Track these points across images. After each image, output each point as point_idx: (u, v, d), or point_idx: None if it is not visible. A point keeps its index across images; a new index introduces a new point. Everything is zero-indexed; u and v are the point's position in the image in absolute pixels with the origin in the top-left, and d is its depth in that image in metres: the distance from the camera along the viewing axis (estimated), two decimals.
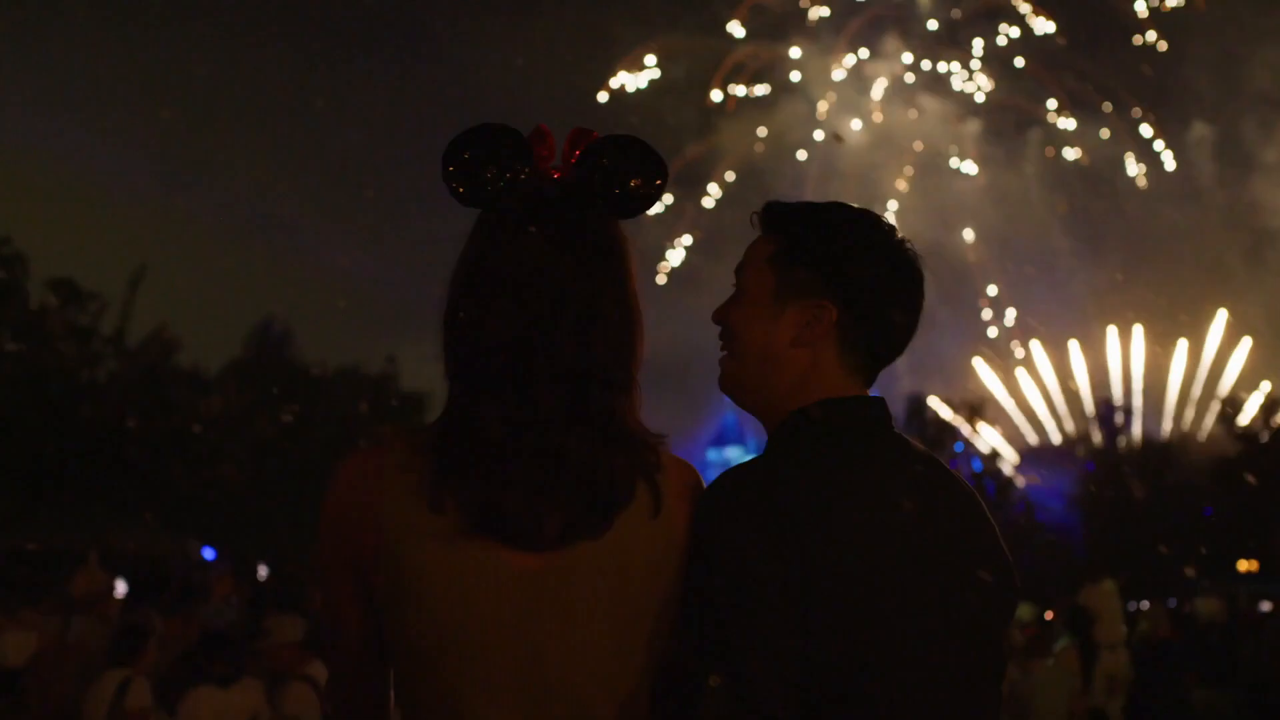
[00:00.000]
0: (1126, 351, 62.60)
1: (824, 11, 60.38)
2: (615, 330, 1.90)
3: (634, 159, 1.98)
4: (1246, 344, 58.58)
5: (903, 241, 2.13)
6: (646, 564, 1.85)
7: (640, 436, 1.91)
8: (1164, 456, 48.10)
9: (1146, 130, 56.88)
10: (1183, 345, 61.81)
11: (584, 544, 1.82)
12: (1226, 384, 56.04)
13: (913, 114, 61.84)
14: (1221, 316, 59.26)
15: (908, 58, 59.05)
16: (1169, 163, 56.43)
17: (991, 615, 1.98)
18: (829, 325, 2.06)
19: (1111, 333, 64.20)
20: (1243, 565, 39.46)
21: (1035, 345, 68.92)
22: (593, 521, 1.82)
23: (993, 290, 64.09)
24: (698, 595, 1.86)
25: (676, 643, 1.88)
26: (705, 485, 1.97)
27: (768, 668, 1.77)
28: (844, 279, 2.07)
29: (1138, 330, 62.62)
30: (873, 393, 2.14)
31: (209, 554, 27.04)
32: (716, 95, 57.11)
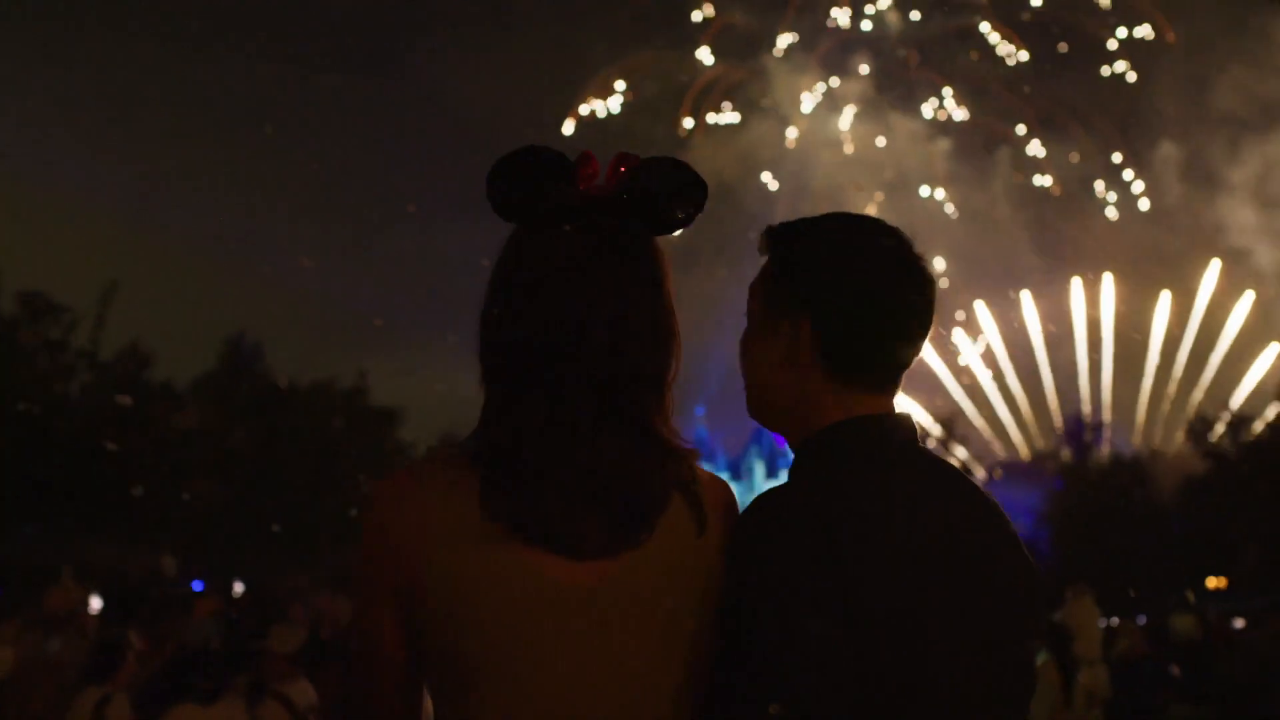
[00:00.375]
0: (1096, 367, 63.00)
1: (792, 38, 60.79)
2: (648, 338, 1.92)
3: (673, 177, 1.99)
4: (1216, 361, 59.08)
5: (895, 248, 2.09)
6: (689, 579, 1.86)
7: (674, 446, 1.92)
8: (1133, 473, 48.32)
9: (1117, 156, 57.33)
10: (1152, 361, 62.24)
11: (628, 556, 1.83)
12: (1195, 401, 56.45)
13: (881, 140, 62.23)
14: (1191, 332, 59.72)
15: (872, 77, 59.52)
16: (1137, 188, 56.92)
17: (1024, 631, 1.98)
18: (807, 342, 2.05)
19: (1080, 345, 64.65)
20: (1211, 582, 39.73)
21: (1005, 362, 69.28)
22: (632, 528, 1.84)
23: (960, 315, 64.52)
24: (739, 617, 1.86)
25: (723, 665, 1.88)
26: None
27: (824, 691, 1.78)
28: (817, 293, 2.05)
29: (1107, 346, 63.06)
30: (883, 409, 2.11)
31: (198, 586, 26.82)
32: (688, 122, 57.64)
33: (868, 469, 1.97)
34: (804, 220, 2.14)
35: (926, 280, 2.09)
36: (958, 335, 62.90)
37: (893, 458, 2.02)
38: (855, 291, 2.05)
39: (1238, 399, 52.56)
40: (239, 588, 22.24)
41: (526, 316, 1.88)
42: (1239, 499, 38.55)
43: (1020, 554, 2.01)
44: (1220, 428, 46.30)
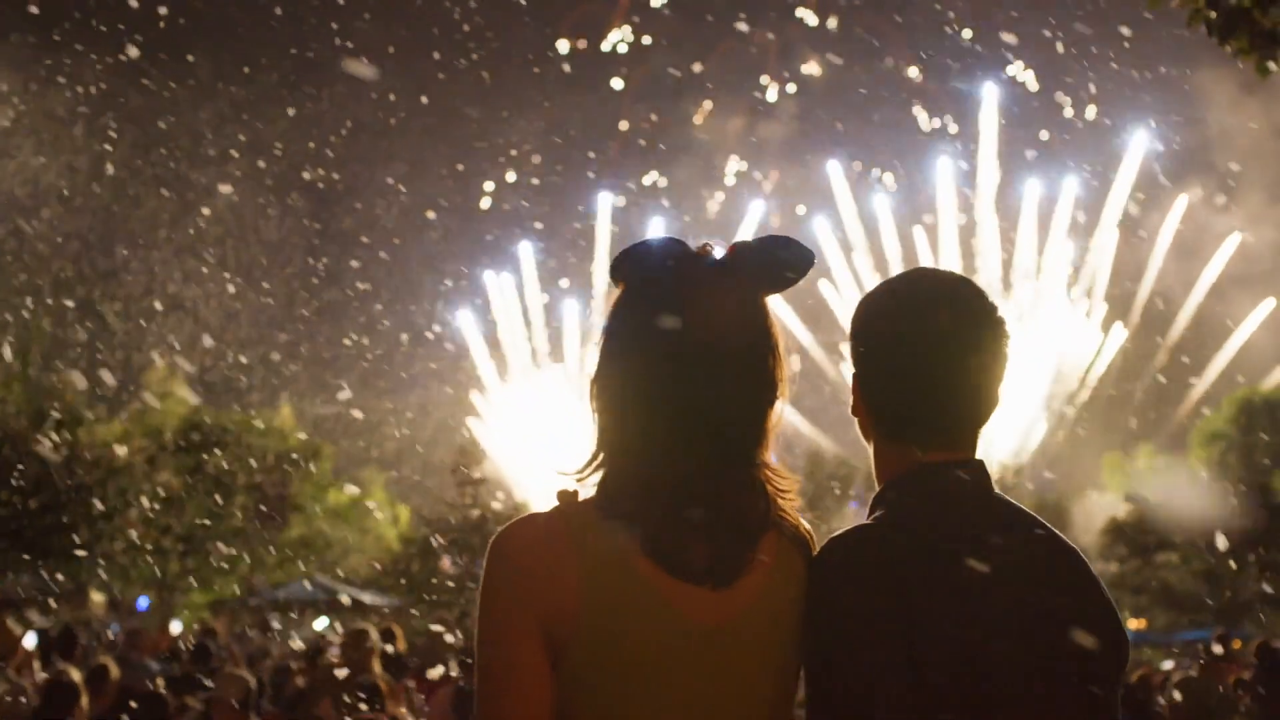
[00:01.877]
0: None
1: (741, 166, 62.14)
2: (760, 385, 2.05)
3: (780, 242, 2.11)
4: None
5: (935, 300, 2.13)
6: (789, 617, 1.99)
7: (776, 485, 2.07)
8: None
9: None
10: (1080, 400, 63.08)
11: (745, 595, 1.95)
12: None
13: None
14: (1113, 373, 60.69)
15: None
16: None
17: (1101, 677, 2.01)
18: (858, 394, 2.19)
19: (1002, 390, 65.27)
20: (1133, 624, 40.33)
21: None
22: (740, 557, 1.96)
23: None
24: (815, 659, 1.97)
25: (808, 706, 1.99)
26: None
27: None
28: (858, 360, 2.19)
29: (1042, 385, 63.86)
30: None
31: (142, 603, 26.46)
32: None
33: (934, 517, 2.04)
34: (882, 283, 2.22)
35: (976, 344, 2.12)
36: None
37: (958, 505, 2.06)
38: (886, 361, 2.14)
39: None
40: (176, 626, 22.00)
41: (647, 372, 2.00)
42: (1159, 541, 39.20)
43: (1096, 602, 2.05)
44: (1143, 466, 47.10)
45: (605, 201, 63.85)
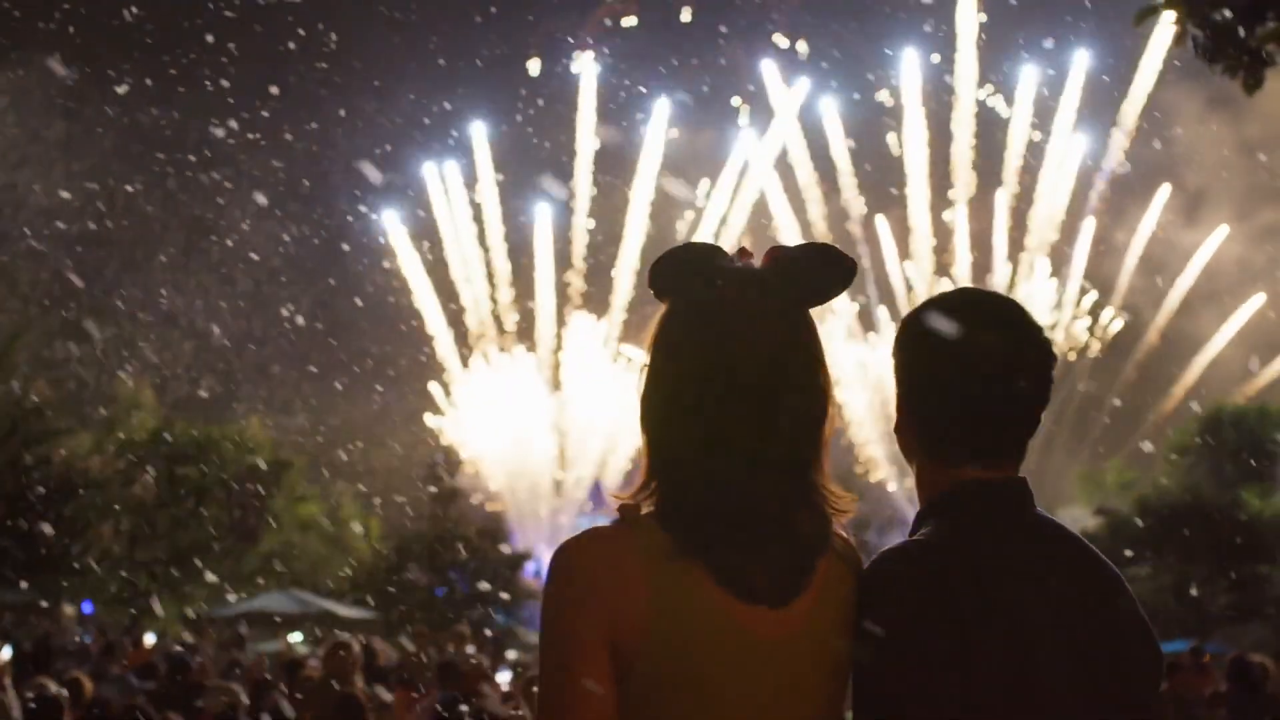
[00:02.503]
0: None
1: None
2: (809, 396, 2.05)
3: (820, 255, 2.12)
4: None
5: (985, 323, 2.14)
6: (841, 632, 2.00)
7: (833, 502, 2.08)
8: None
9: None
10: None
11: (802, 609, 1.97)
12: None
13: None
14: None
15: None
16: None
17: (1138, 694, 2.06)
18: (903, 412, 2.21)
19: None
20: None
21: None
22: (802, 577, 1.98)
23: None
24: (863, 670, 2.00)
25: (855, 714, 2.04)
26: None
27: None
28: (900, 379, 2.22)
29: None
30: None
31: (87, 607, 26.31)
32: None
33: (977, 533, 2.06)
34: (929, 301, 2.22)
35: (1023, 367, 2.13)
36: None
37: (1001, 522, 2.09)
38: (934, 382, 2.16)
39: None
40: (150, 639, 21.88)
41: (700, 389, 2.01)
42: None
43: (1133, 620, 2.09)
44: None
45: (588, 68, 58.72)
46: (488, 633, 25.66)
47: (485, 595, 39.40)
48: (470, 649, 14.75)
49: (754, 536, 1.96)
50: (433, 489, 46.69)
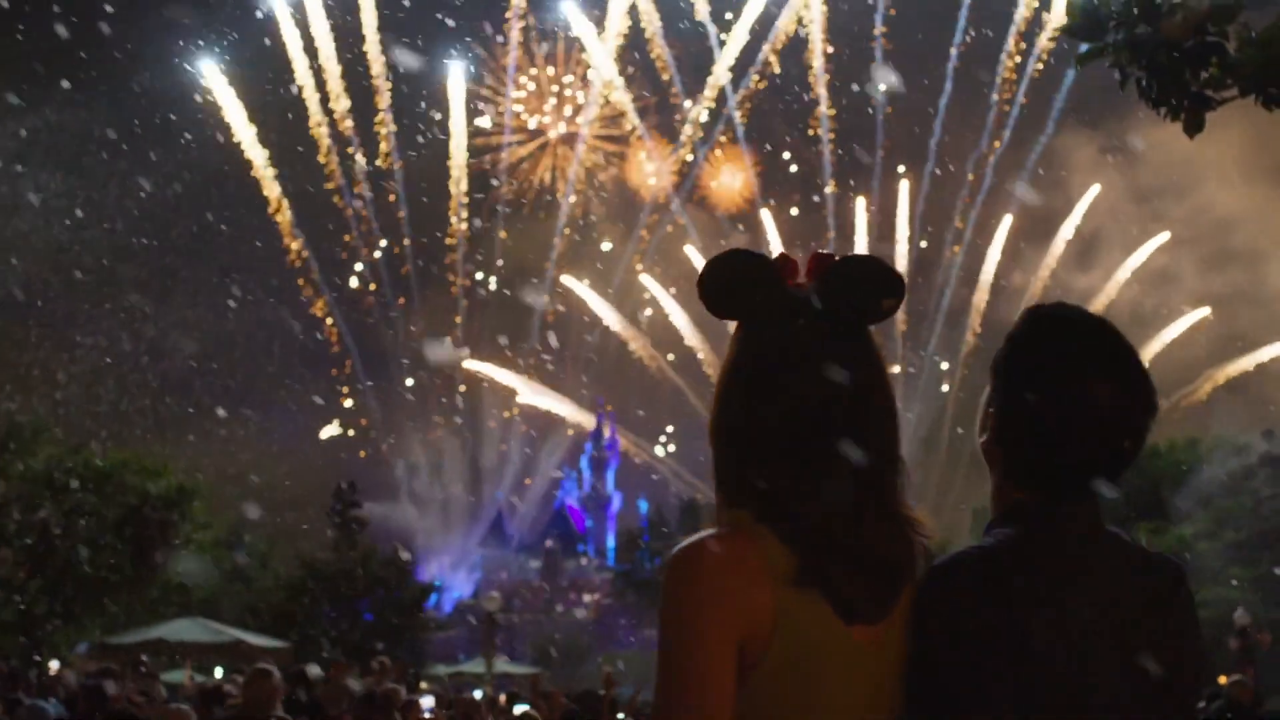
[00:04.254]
0: None
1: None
2: (888, 421, 2.12)
3: (875, 275, 2.13)
4: None
5: (1101, 368, 2.11)
6: (910, 638, 2.09)
7: (919, 533, 2.15)
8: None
9: None
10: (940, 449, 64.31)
11: (888, 621, 2.05)
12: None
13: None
14: None
15: None
16: None
17: (1182, 696, 2.11)
18: (994, 433, 2.20)
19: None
20: None
21: None
22: (895, 596, 2.06)
23: None
24: (921, 672, 2.06)
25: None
26: None
27: None
28: (996, 400, 2.20)
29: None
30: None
31: None
32: None
33: (1042, 541, 2.10)
34: (1042, 325, 2.20)
35: (1123, 430, 2.12)
36: None
37: (1067, 533, 2.11)
38: (1022, 420, 2.15)
39: None
40: (55, 665, 21.44)
41: (785, 414, 2.06)
42: None
43: (1189, 637, 2.13)
44: None
45: None
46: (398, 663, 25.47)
47: (396, 626, 39.19)
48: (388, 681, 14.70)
49: (861, 565, 2.02)
50: (337, 519, 46.40)
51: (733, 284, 2.12)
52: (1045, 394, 2.10)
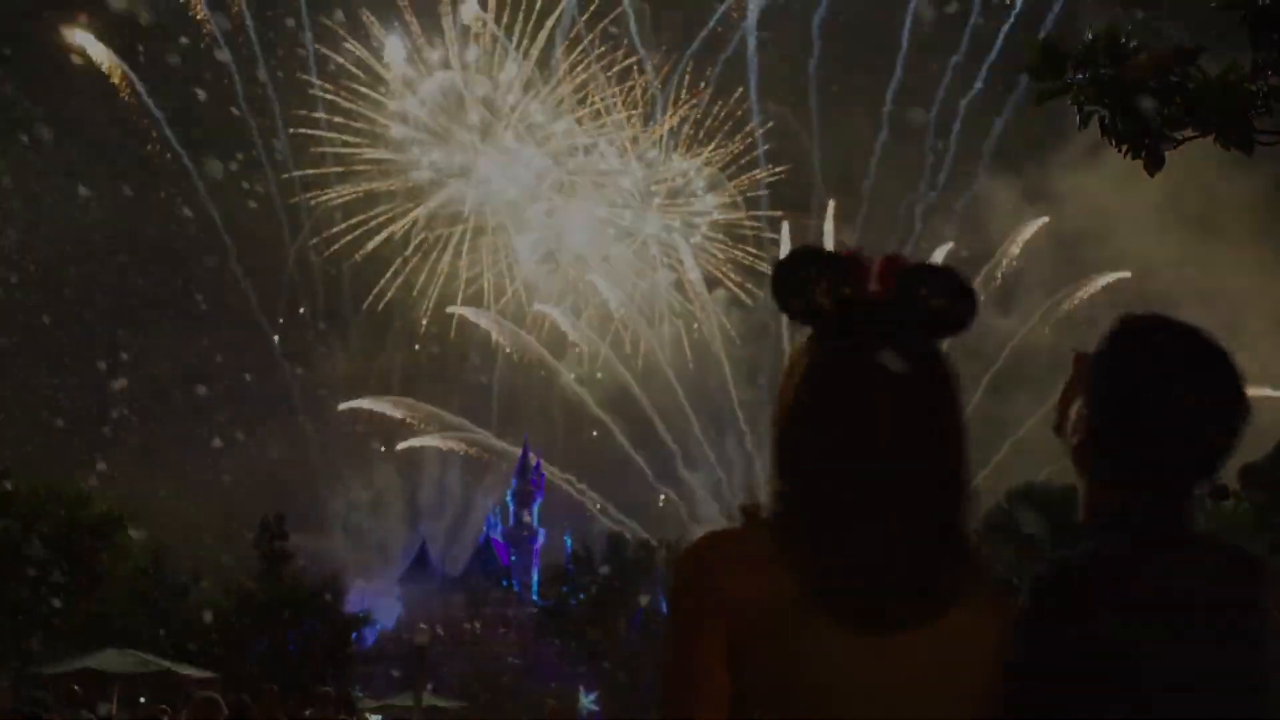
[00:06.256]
0: None
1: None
2: (957, 441, 2.01)
3: (951, 286, 2.05)
4: None
5: (1196, 381, 2.10)
6: (965, 673, 1.96)
7: (970, 544, 2.03)
8: None
9: None
10: None
11: (918, 638, 1.93)
12: None
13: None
14: None
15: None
16: None
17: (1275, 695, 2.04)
18: (1087, 435, 2.18)
19: None
20: None
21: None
22: (922, 614, 1.93)
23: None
24: (1018, 685, 1.97)
25: None
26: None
27: None
28: (1102, 396, 2.16)
29: None
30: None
31: None
32: None
33: (1143, 550, 2.04)
34: (1122, 329, 2.19)
35: (1210, 398, 2.10)
36: None
37: (1167, 539, 2.07)
38: (1118, 425, 2.13)
39: None
40: None
41: (846, 431, 1.97)
42: None
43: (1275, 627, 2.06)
44: None
45: None
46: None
47: (324, 657, 39.02)
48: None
49: (874, 575, 1.93)
50: (264, 549, 46.20)
51: (807, 283, 2.05)
52: (1146, 396, 2.11)
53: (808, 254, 2.07)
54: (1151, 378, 2.11)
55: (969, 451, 2.02)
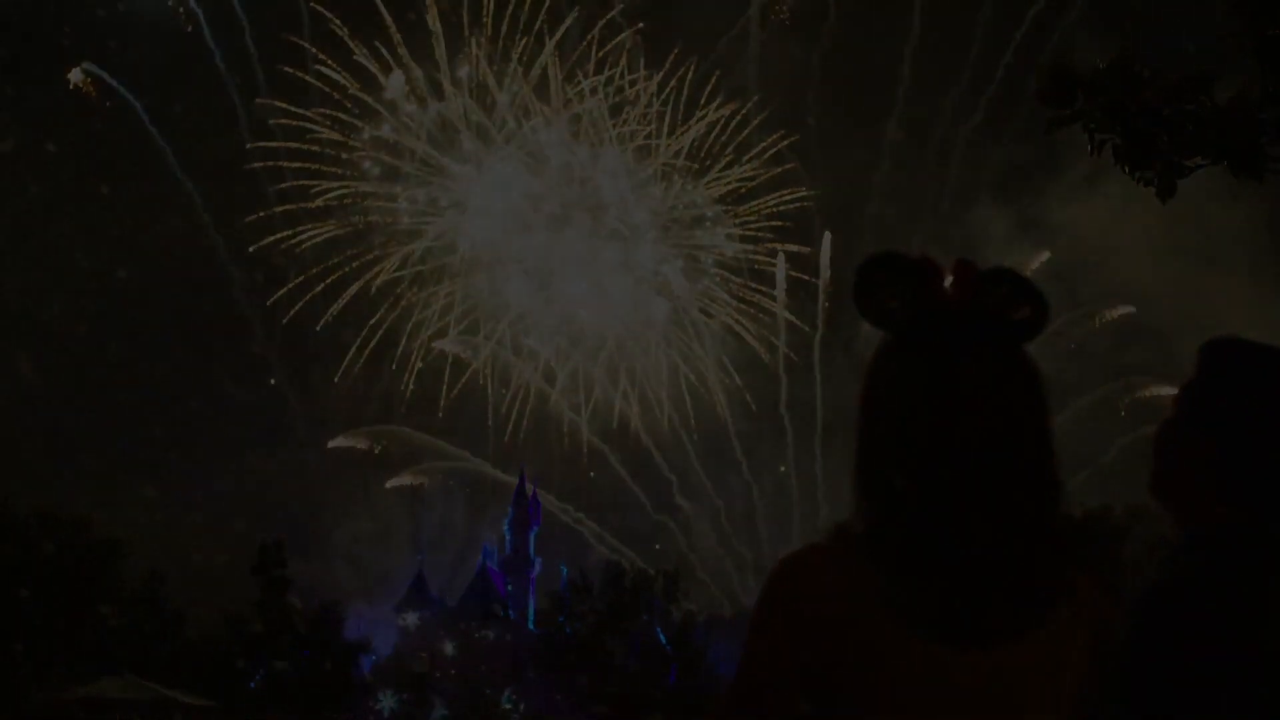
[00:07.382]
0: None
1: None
2: (1048, 441, 1.99)
3: (1023, 292, 2.03)
4: None
5: (1267, 369, 2.16)
6: (1060, 676, 1.96)
7: (1064, 548, 1.99)
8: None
9: None
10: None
11: (1011, 650, 1.91)
12: None
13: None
14: None
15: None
16: None
17: None
18: (1193, 461, 2.22)
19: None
20: None
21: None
22: (1015, 625, 1.91)
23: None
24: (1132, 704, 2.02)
25: None
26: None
27: None
28: (1219, 426, 2.20)
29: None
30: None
31: None
32: None
33: (1246, 565, 2.08)
34: (1215, 354, 2.26)
35: None
36: None
37: (1259, 558, 2.09)
38: (1216, 438, 2.19)
39: None
40: None
41: (925, 424, 1.94)
42: None
43: None
44: None
45: None
46: None
47: (322, 684, 38.89)
48: None
49: (964, 585, 1.90)
50: (262, 578, 46.03)
51: (887, 289, 2.03)
52: (1246, 420, 2.17)
53: (888, 260, 2.04)
54: (1252, 401, 2.16)
55: (1058, 449, 2.01)
